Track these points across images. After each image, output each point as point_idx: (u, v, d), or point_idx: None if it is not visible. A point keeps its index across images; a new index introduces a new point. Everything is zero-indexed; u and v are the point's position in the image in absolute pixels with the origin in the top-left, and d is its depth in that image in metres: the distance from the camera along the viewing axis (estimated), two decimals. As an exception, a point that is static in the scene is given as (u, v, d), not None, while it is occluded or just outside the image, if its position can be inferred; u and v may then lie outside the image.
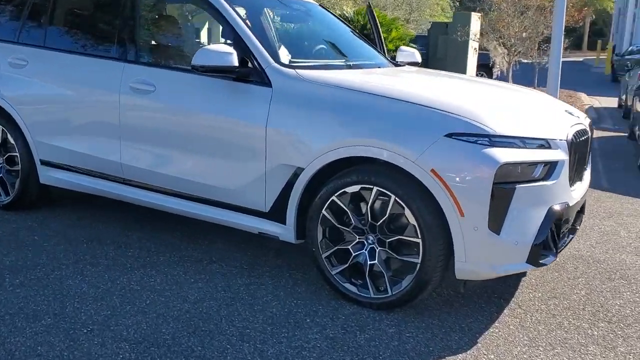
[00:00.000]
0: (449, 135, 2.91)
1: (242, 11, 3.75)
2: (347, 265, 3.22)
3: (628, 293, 3.59)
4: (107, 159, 3.98)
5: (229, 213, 3.61)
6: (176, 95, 3.69)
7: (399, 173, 3.00)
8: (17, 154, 4.40)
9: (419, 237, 2.98)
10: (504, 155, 2.87)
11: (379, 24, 5.23)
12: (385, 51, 4.97)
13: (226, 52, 3.35)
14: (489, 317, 3.20)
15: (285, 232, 3.41)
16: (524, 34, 13.29)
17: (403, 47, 4.99)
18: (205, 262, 3.77)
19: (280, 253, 3.90)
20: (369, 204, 3.10)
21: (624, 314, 3.30)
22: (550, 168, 3.02)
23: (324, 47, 4.46)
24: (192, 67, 3.40)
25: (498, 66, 17.53)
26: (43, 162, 4.32)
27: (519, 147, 2.95)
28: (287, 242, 3.44)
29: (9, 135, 4.42)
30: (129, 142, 3.87)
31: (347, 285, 3.24)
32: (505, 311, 3.28)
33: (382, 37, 5.11)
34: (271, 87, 3.38)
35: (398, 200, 3.00)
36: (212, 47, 3.38)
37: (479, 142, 2.89)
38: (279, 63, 3.46)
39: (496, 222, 2.87)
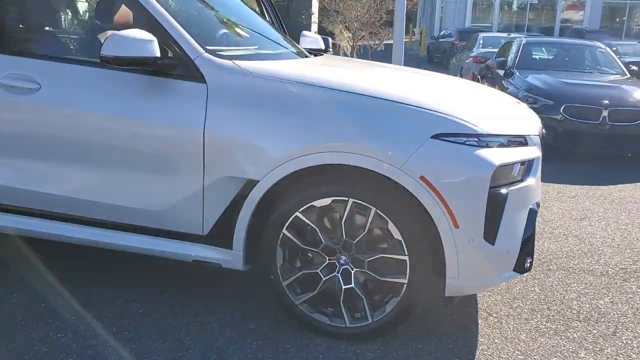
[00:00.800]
0: (437, 137, 2.53)
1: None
2: (315, 292, 2.73)
3: (575, 284, 3.54)
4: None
5: (151, 239, 2.91)
6: (72, 95, 2.87)
7: (380, 181, 2.56)
8: None
9: (406, 254, 2.58)
10: (497, 156, 2.56)
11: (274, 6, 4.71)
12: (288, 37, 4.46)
13: (147, 40, 2.65)
14: (468, 331, 2.93)
15: (231, 258, 2.81)
16: (365, 17, 13.42)
17: (306, 33, 4.53)
18: (120, 302, 3.03)
19: (210, 279, 3.27)
20: (344, 219, 2.62)
21: (586, 309, 3.22)
22: (527, 166, 2.79)
23: (228, 32, 3.82)
24: (101, 59, 2.62)
25: (330, 50, 17.65)
26: None
27: (506, 146, 2.66)
28: (231, 269, 2.84)
29: None
30: (2, 158, 2.96)
31: (316, 316, 2.76)
32: (479, 322, 3.03)
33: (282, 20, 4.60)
34: (205, 82, 2.74)
35: (380, 212, 2.57)
36: (127, 32, 2.64)
37: (468, 142, 2.55)
38: (210, 53, 2.81)
39: (491, 231, 2.57)
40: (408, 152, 2.50)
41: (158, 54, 2.66)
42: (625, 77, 8.22)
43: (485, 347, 2.78)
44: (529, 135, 2.83)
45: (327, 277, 2.71)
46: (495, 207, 2.56)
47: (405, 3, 10.74)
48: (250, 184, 2.67)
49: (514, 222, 2.65)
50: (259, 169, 2.64)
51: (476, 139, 2.56)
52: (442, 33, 28.15)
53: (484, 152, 2.53)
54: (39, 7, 3.36)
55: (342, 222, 2.63)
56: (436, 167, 2.50)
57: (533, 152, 2.82)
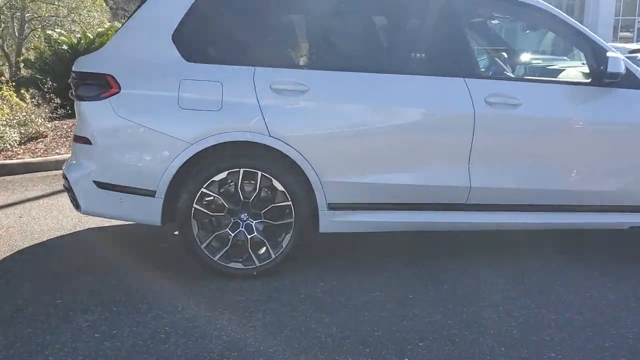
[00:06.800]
0: None
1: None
2: None
3: None
4: (448, 185, 3.60)
5: (599, 215, 3.74)
6: (548, 107, 3.63)
7: None
8: (290, 203, 3.53)
9: None
10: None
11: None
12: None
13: (622, 59, 3.53)
14: None
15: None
16: None
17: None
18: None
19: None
20: None
21: None
22: None
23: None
24: (609, 76, 3.46)
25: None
26: (333, 207, 3.58)
27: None
28: None
29: (274, 182, 3.50)
30: (485, 163, 3.60)
31: None
32: None
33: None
34: (641, 88, 3.66)
35: None
36: (614, 54, 3.50)
37: None
38: (637, 69, 3.76)
39: None
40: None
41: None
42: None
43: None
44: None
45: None
46: None
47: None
48: None
49: None
50: None
51: None
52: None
53: None
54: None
55: None
56: None
57: None
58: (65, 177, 3.61)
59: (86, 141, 3.50)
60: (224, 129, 3.40)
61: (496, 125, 3.58)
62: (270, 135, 3.41)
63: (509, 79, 3.93)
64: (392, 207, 3.64)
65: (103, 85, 3.43)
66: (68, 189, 3.63)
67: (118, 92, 3.41)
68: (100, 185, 3.49)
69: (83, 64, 3.56)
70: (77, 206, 3.60)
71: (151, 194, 3.44)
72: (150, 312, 3.15)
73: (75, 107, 3.63)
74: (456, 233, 4.26)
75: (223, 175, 3.44)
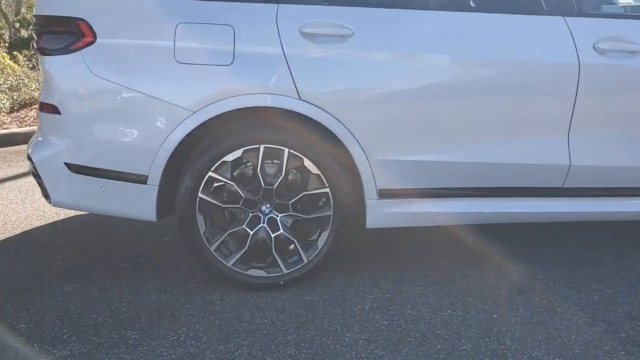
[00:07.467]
0: None
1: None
2: None
3: None
4: (539, 163, 2.68)
5: None
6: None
7: None
8: (328, 190, 2.62)
9: None
10: None
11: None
12: None
13: None
14: None
15: None
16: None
17: None
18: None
19: None
20: None
21: None
22: None
23: None
24: None
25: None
26: (384, 194, 2.67)
27: None
28: None
29: (306, 162, 2.58)
30: (591, 134, 2.66)
31: None
32: None
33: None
34: None
35: None
36: None
37: None
38: None
39: None
40: None
41: None
42: None
43: None
44: None
45: None
46: None
47: None
48: None
49: None
50: None
51: None
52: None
53: None
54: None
55: None
56: None
57: None
58: (29, 159, 2.73)
59: (54, 110, 2.61)
60: (237, 90, 2.48)
61: (608, 80, 2.61)
62: (300, 98, 2.49)
63: (626, 16, 2.91)
64: (464, 193, 2.73)
65: (73, 33, 2.52)
66: (35, 175, 2.74)
67: (93, 42, 2.50)
68: (74, 168, 2.60)
69: (46, 5, 2.63)
70: (46, 196, 2.73)
71: (142, 179, 2.55)
72: (141, 344, 2.29)
73: (39, 65, 2.73)
74: (532, 223, 3.33)
75: (237, 153, 2.55)
